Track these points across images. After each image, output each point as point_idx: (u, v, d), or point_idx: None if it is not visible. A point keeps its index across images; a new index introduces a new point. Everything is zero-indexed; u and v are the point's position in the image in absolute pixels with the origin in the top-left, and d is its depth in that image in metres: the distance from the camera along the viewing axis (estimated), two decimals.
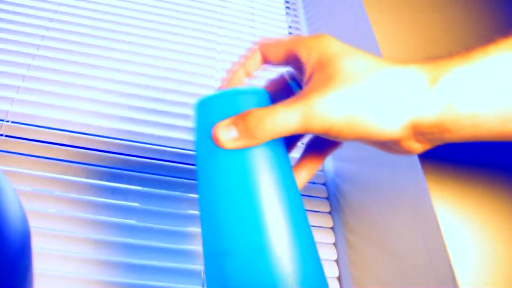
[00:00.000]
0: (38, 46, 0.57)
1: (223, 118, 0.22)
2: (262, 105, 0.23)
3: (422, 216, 0.36)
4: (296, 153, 0.60)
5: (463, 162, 0.38)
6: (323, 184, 0.58)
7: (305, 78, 0.23)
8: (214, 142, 0.22)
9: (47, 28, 0.60)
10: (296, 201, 0.22)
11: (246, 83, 0.63)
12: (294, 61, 0.24)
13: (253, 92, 0.23)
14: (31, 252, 0.21)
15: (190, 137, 0.57)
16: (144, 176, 0.50)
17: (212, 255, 0.21)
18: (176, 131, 0.56)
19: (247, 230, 0.20)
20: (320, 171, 0.59)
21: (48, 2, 0.63)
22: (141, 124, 0.55)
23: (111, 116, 0.54)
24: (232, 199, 0.21)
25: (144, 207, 0.48)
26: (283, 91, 0.28)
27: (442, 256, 0.32)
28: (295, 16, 0.79)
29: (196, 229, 0.49)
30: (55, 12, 0.62)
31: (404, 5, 0.51)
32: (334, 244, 0.53)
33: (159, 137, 0.55)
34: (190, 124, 0.57)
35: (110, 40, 0.61)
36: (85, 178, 0.49)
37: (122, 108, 0.55)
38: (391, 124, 0.20)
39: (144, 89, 0.58)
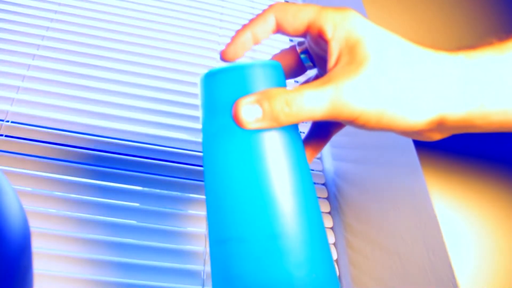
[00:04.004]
0: (38, 46, 0.57)
1: (237, 93, 0.21)
2: (278, 80, 0.22)
3: (422, 216, 0.36)
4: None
5: (463, 162, 0.38)
6: (323, 184, 0.58)
7: (331, 59, 0.21)
8: (234, 120, 0.20)
9: (47, 28, 0.60)
10: (311, 187, 0.21)
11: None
12: (314, 35, 0.22)
13: (267, 65, 0.22)
14: (31, 252, 0.21)
15: (190, 137, 0.57)
16: (144, 176, 0.50)
17: (222, 241, 0.20)
18: (176, 131, 0.56)
19: (264, 216, 0.19)
20: (320, 171, 0.59)
21: (48, 2, 0.63)
22: (141, 124, 0.55)
23: (111, 116, 0.54)
24: (249, 183, 0.20)
25: (144, 207, 0.48)
26: (294, 65, 0.26)
27: (442, 256, 0.32)
28: None
29: (196, 229, 0.49)
30: (55, 12, 0.62)
31: (404, 6, 0.51)
32: (334, 244, 0.53)
33: (159, 137, 0.55)
34: (190, 124, 0.57)
35: (110, 40, 0.61)
36: (85, 178, 0.49)
37: (121, 108, 0.55)
38: (418, 117, 0.20)
39: (144, 89, 0.58)
